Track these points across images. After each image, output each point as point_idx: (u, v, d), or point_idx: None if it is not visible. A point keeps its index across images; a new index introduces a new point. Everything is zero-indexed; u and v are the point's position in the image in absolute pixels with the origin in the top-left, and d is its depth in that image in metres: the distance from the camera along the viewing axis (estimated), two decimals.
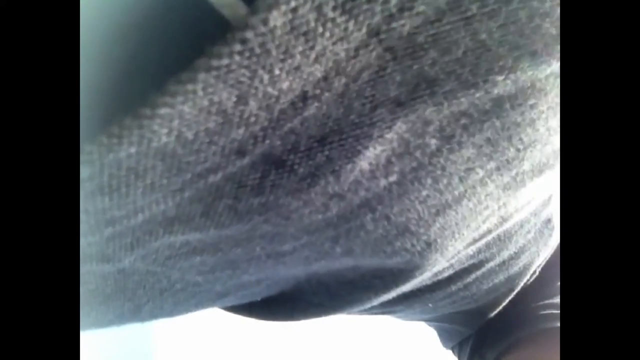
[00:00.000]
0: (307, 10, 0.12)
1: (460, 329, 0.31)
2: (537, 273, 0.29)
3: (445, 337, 0.34)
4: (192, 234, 0.17)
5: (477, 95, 0.15)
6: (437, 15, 0.14)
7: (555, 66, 0.16)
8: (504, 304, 0.29)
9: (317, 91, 0.14)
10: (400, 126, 0.16)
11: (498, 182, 0.18)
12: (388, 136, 0.16)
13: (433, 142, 0.16)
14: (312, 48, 0.13)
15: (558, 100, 0.17)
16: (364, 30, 0.13)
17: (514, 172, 0.18)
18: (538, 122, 0.17)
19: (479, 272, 0.24)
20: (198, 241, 0.18)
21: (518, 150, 0.18)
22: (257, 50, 0.12)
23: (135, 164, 0.14)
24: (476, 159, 0.17)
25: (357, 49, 0.13)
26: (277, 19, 0.12)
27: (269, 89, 0.13)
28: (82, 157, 0.13)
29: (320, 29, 0.13)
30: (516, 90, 0.16)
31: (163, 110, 0.13)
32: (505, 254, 0.24)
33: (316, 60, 0.13)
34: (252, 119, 0.14)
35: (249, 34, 0.12)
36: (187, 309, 0.23)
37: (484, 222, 0.20)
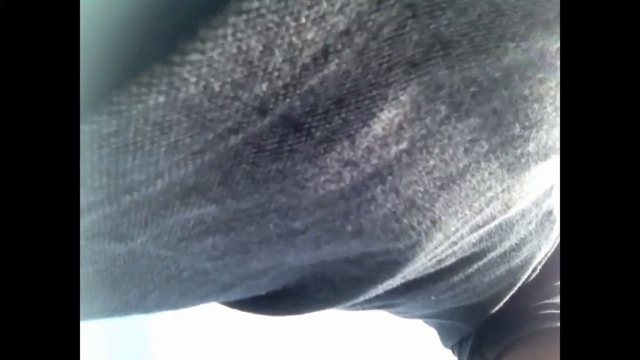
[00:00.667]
0: None
1: (461, 326, 0.31)
2: (537, 270, 0.29)
3: (445, 335, 0.34)
4: (208, 207, 0.17)
5: (488, 61, 0.16)
6: None
7: None
8: (505, 299, 0.29)
9: (339, 46, 0.14)
10: (414, 88, 0.16)
11: (502, 159, 0.19)
12: (402, 98, 0.16)
13: (443, 109, 0.17)
14: None
15: None
16: None
17: (518, 151, 0.19)
18: (545, 99, 0.17)
19: (480, 263, 0.24)
20: (212, 219, 0.18)
21: (524, 127, 0.18)
22: None
23: (162, 118, 0.14)
24: (482, 130, 0.17)
25: (379, 2, 0.14)
26: None
27: (294, 39, 0.13)
28: (110, 108, 0.13)
29: None
30: (526, 61, 0.16)
31: (193, 57, 0.12)
32: (506, 244, 0.24)
33: (340, 10, 0.13)
34: (276, 73, 0.14)
35: None
36: (192, 301, 0.23)
37: (487, 204, 0.20)
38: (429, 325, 0.35)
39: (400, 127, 0.17)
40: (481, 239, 0.23)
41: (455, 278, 0.25)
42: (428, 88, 0.16)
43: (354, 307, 0.27)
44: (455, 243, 0.22)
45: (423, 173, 0.18)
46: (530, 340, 0.28)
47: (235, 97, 0.14)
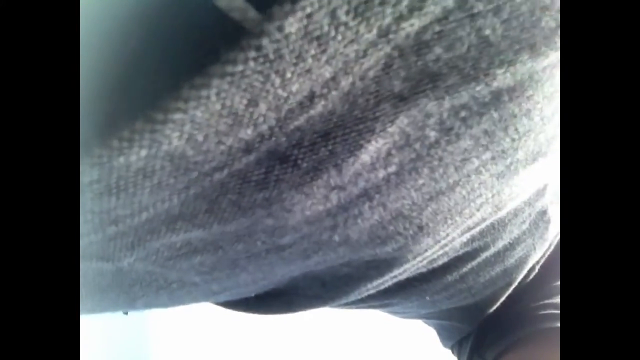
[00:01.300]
0: (321, 16, 0.12)
1: (459, 326, 0.31)
2: (536, 270, 0.29)
3: (445, 335, 0.34)
4: (194, 231, 0.17)
5: (478, 88, 0.16)
6: (444, 13, 0.14)
7: (553, 57, 0.16)
8: (502, 299, 0.29)
9: (325, 90, 0.14)
10: (402, 120, 0.16)
11: (492, 171, 0.19)
12: (390, 130, 0.16)
13: (432, 135, 0.17)
14: (324, 51, 0.13)
15: (553, 89, 0.17)
16: (375, 31, 0.13)
17: (508, 160, 0.19)
18: (533, 112, 0.17)
19: (474, 262, 0.24)
20: (199, 240, 0.18)
21: (513, 140, 0.18)
22: (271, 56, 0.12)
23: (144, 165, 0.14)
24: (472, 150, 0.18)
25: (366, 50, 0.14)
26: (292, 25, 0.12)
27: (280, 91, 0.13)
28: (91, 160, 0.13)
29: (333, 33, 0.13)
30: (515, 83, 0.16)
31: (176, 116, 0.13)
32: (500, 244, 0.24)
33: (327, 62, 0.13)
34: (261, 119, 0.14)
35: (265, 41, 0.12)
36: (182, 303, 0.23)
37: (477, 209, 0.20)
38: (429, 325, 0.35)
39: (389, 153, 0.17)
40: (473, 239, 0.23)
41: (449, 278, 0.25)
42: (417, 118, 0.16)
43: (348, 305, 0.27)
44: (446, 245, 0.22)
45: (412, 190, 0.18)
46: (530, 341, 0.28)
47: (220, 142, 0.14)
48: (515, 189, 0.21)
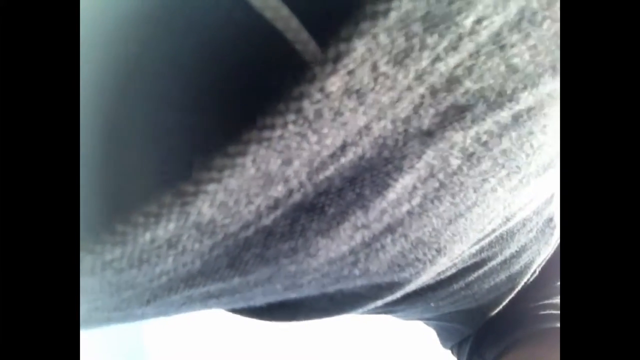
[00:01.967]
0: (364, 71, 0.12)
1: (460, 328, 0.31)
2: (536, 273, 0.29)
3: (445, 336, 0.34)
4: (214, 284, 0.16)
5: (502, 114, 0.15)
6: (477, 48, 0.13)
7: None
8: (504, 303, 0.29)
9: (357, 138, 0.14)
10: (429, 154, 0.15)
11: (507, 186, 0.19)
12: (417, 165, 0.16)
13: (455, 163, 0.16)
14: (362, 103, 0.12)
15: None
16: (411, 76, 0.13)
17: (521, 175, 0.19)
18: (548, 127, 0.17)
19: (480, 271, 0.24)
20: (217, 289, 0.17)
21: (527, 155, 0.18)
22: (311, 117, 0.12)
23: (170, 237, 0.13)
24: (490, 170, 0.17)
25: (400, 94, 0.13)
26: (334, 84, 0.11)
27: (315, 147, 0.13)
28: (114, 239, 0.12)
29: (372, 85, 0.12)
30: (535, 103, 0.16)
31: (209, 187, 0.12)
32: (507, 253, 0.24)
33: (364, 113, 0.13)
34: (292, 175, 0.13)
35: (306, 104, 0.11)
36: (190, 312, 0.23)
37: (489, 223, 0.20)
38: (429, 326, 0.35)
39: (414, 187, 0.16)
40: (482, 249, 0.23)
41: (455, 286, 0.25)
42: (442, 150, 0.16)
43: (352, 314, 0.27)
44: (456, 258, 0.22)
45: (433, 218, 0.18)
46: (529, 341, 0.28)
47: (249, 203, 0.13)
48: (525, 199, 0.21)
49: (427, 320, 0.33)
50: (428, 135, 0.15)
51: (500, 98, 0.15)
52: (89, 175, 0.12)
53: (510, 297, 0.28)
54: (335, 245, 0.17)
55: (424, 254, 0.19)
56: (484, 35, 0.13)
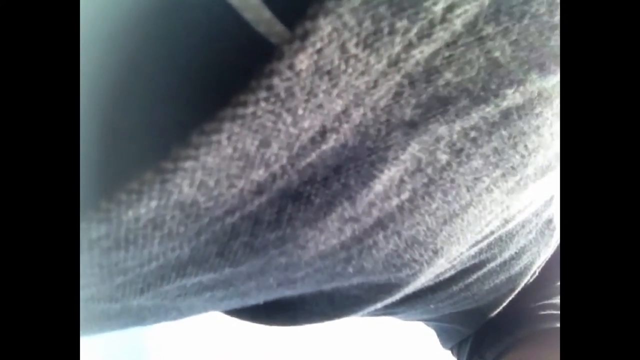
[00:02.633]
0: (332, 50, 0.12)
1: (460, 329, 0.31)
2: (536, 274, 0.29)
3: (445, 337, 0.34)
4: (205, 274, 0.17)
5: (487, 109, 0.15)
6: (453, 38, 0.14)
7: None
8: (504, 304, 0.29)
9: (336, 124, 0.14)
10: (414, 146, 0.16)
11: (503, 188, 0.18)
12: (402, 157, 0.16)
13: (443, 157, 0.16)
14: (335, 85, 0.13)
15: None
16: (385, 61, 0.13)
17: (518, 177, 0.18)
18: (543, 129, 0.17)
19: (480, 273, 0.24)
20: (210, 279, 0.18)
21: (522, 156, 0.18)
22: (283, 95, 0.12)
23: (154, 216, 0.13)
24: (483, 169, 0.17)
25: (376, 80, 0.13)
26: (303, 61, 0.12)
27: (291, 129, 0.13)
28: (98, 216, 0.12)
29: (344, 66, 0.12)
30: (524, 101, 0.16)
31: (187, 164, 0.12)
32: (506, 255, 0.24)
33: (338, 95, 0.13)
34: (273, 159, 0.14)
35: (276, 81, 0.12)
36: (190, 316, 0.23)
37: (487, 225, 0.20)
38: (429, 326, 0.35)
39: (402, 181, 0.16)
40: (480, 251, 0.23)
41: (455, 288, 0.25)
42: (427, 143, 0.16)
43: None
44: (454, 260, 0.22)
45: (426, 215, 0.18)
46: (529, 341, 0.28)
47: (231, 186, 0.14)
48: (524, 202, 0.21)
49: (426, 321, 0.33)
50: (411, 127, 0.15)
51: (484, 93, 0.15)
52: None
53: (510, 298, 0.28)
54: (324, 237, 0.17)
55: (420, 255, 0.19)
56: (458, 24, 0.13)
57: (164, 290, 0.17)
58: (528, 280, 0.28)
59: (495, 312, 0.29)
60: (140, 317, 0.20)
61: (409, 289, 0.22)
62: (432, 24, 0.13)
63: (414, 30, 0.13)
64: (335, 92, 0.13)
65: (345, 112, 0.14)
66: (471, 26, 0.13)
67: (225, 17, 0.13)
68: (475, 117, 0.16)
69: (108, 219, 0.13)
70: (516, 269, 0.26)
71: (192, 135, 0.12)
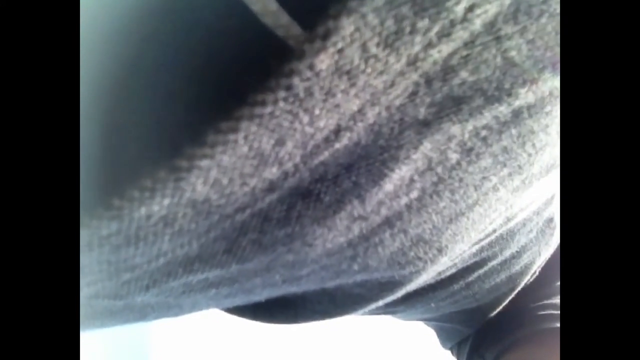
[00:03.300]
0: (353, 50, 0.12)
1: (460, 328, 0.31)
2: (536, 273, 0.29)
3: (445, 336, 0.34)
4: (212, 271, 0.17)
5: (500, 108, 0.15)
6: (472, 37, 0.13)
7: None
8: (504, 303, 0.29)
9: (351, 123, 0.14)
10: (426, 145, 0.15)
11: (509, 186, 0.18)
12: (414, 156, 0.16)
13: (454, 157, 0.16)
14: (353, 85, 0.13)
15: None
16: (403, 61, 0.13)
17: (524, 175, 0.18)
18: (551, 127, 0.17)
19: (481, 271, 0.24)
20: (216, 277, 0.17)
21: (530, 155, 0.18)
22: (302, 95, 0.12)
23: (166, 214, 0.13)
24: (491, 168, 0.17)
25: (394, 80, 0.13)
26: (323, 61, 0.11)
27: (307, 128, 0.13)
28: (110, 213, 0.12)
29: (363, 66, 0.12)
30: (535, 100, 0.16)
31: (202, 162, 0.12)
32: (507, 253, 0.24)
33: (355, 95, 0.13)
34: (287, 157, 0.13)
35: (295, 80, 0.12)
36: (193, 312, 0.23)
37: (490, 223, 0.20)
38: (429, 326, 0.35)
39: (412, 179, 0.16)
40: (482, 249, 0.23)
41: (456, 286, 0.25)
42: (439, 142, 0.16)
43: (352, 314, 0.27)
44: (456, 258, 0.22)
45: (433, 214, 0.18)
46: (529, 341, 0.28)
47: (244, 184, 0.13)
48: (526, 199, 0.21)
49: (426, 320, 0.33)
50: (424, 126, 0.15)
51: (498, 92, 0.15)
52: (86, 153, 0.12)
53: (510, 297, 0.28)
54: (332, 236, 0.17)
55: (425, 253, 0.19)
56: (477, 24, 0.13)
57: (169, 287, 0.17)
58: (528, 280, 0.28)
59: (495, 311, 0.29)
60: (142, 314, 0.20)
61: (411, 287, 0.22)
62: (452, 24, 0.13)
63: (435, 29, 0.12)
64: (353, 91, 0.13)
65: (360, 111, 0.14)
66: (490, 25, 0.13)
67: (233, 14, 0.13)
68: (487, 116, 0.16)
69: (119, 217, 0.12)
70: (517, 267, 0.26)
71: (208, 133, 0.12)
